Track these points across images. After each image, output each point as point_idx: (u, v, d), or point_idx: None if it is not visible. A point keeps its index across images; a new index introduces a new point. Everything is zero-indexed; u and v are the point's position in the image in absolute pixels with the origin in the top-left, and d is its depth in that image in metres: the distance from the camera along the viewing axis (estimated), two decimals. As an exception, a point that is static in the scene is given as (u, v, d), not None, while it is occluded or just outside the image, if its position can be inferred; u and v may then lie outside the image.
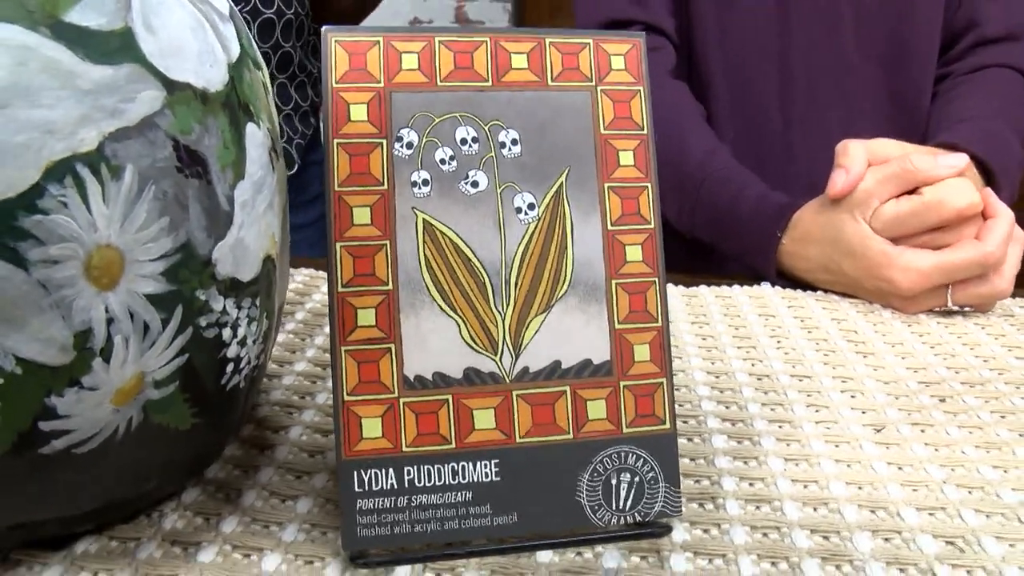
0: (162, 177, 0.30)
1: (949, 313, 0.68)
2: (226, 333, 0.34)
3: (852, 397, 0.53)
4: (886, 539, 0.39)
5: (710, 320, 0.65)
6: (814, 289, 0.72)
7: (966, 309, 0.69)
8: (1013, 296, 0.72)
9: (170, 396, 0.33)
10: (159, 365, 0.32)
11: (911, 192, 0.68)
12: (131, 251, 0.30)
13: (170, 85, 0.31)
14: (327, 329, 0.60)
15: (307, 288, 0.68)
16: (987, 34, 0.90)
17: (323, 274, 0.72)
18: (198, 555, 0.37)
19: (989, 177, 0.76)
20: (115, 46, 0.30)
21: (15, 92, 0.27)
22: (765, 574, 0.36)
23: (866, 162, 0.70)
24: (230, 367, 0.35)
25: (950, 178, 0.67)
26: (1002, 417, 0.51)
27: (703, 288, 0.72)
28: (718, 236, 0.80)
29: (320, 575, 0.35)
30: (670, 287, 0.71)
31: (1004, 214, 0.67)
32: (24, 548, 0.36)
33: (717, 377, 0.55)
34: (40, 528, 0.35)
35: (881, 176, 0.68)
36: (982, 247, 0.65)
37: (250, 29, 1.04)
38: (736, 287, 0.72)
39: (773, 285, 0.73)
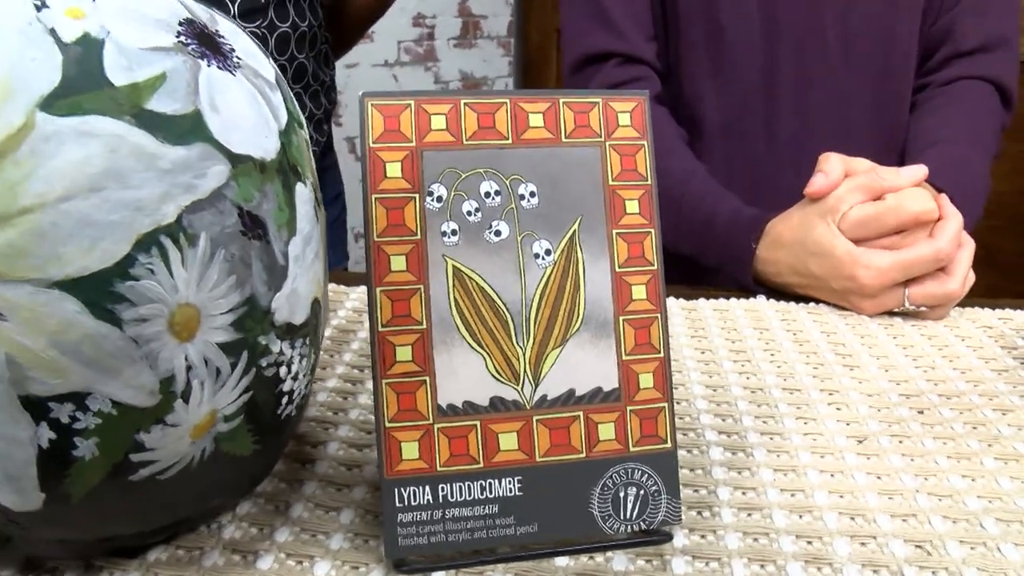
0: (230, 241, 0.35)
1: (930, 324, 0.73)
2: (283, 371, 0.39)
3: (838, 410, 0.58)
4: (863, 543, 0.44)
5: (708, 334, 0.69)
6: (798, 299, 0.77)
7: (947, 319, 0.74)
8: (993, 308, 0.77)
9: (236, 428, 0.37)
10: (228, 402, 0.36)
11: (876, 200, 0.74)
12: (205, 307, 0.34)
13: (234, 159, 0.36)
14: (354, 345, 0.65)
15: (332, 305, 0.73)
16: (961, 47, 0.95)
17: (345, 289, 0.77)
18: (256, 563, 0.41)
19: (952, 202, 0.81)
20: (187, 127, 0.34)
21: (109, 176, 0.32)
22: (756, 576, 0.41)
23: (843, 171, 0.76)
24: (285, 399, 0.40)
25: (910, 187, 0.74)
26: (973, 428, 0.56)
27: (702, 301, 0.76)
28: (698, 250, 0.86)
29: (365, 580, 0.40)
30: (671, 300, 0.76)
31: (954, 216, 0.74)
32: (105, 556, 0.41)
33: (714, 391, 0.60)
34: (121, 540, 0.39)
35: (852, 185, 0.75)
36: (935, 243, 0.72)
37: (267, 43, 1.09)
38: (733, 300, 0.77)
39: (755, 294, 0.78)
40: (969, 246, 0.75)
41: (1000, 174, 2.21)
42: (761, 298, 0.78)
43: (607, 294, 0.43)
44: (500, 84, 3.16)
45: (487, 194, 0.42)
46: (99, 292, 0.32)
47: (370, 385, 0.59)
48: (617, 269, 0.43)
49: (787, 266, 0.78)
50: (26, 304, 0.31)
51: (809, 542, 0.44)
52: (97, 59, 0.33)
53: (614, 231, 0.43)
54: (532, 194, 0.42)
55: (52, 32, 0.33)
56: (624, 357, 0.42)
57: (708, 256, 0.85)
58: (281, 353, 0.38)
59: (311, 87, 1.20)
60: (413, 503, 0.40)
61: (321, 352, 0.64)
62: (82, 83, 0.32)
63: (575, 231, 0.43)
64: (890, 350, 0.68)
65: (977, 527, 0.46)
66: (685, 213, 0.87)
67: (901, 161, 0.90)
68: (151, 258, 0.33)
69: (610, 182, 0.43)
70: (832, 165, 0.76)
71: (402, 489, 0.40)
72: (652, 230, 0.44)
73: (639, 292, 0.43)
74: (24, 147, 0.31)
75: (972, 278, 0.76)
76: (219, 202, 0.35)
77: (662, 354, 0.43)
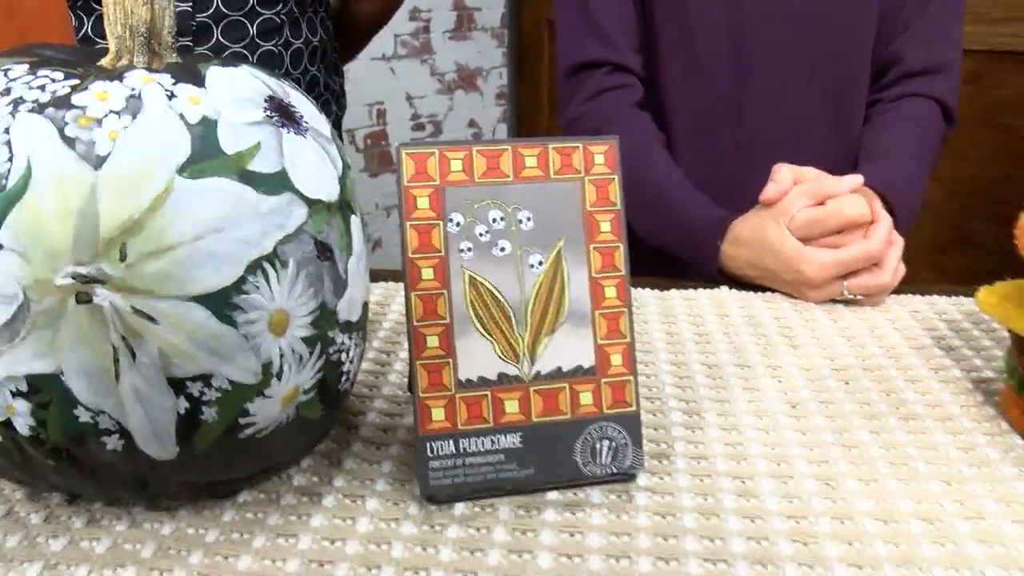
0: (309, 263, 0.48)
1: (867, 310, 0.86)
2: (343, 356, 0.52)
3: (779, 382, 0.72)
4: (784, 483, 0.58)
5: (676, 319, 0.83)
6: (760, 289, 0.91)
7: (884, 304, 0.87)
8: (924, 295, 0.91)
9: (312, 399, 0.51)
10: (307, 379, 0.50)
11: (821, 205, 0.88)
12: (293, 312, 0.48)
13: (309, 203, 0.49)
14: (380, 333, 0.78)
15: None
16: (909, 69, 1.09)
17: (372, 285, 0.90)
18: (322, 502, 0.55)
19: (891, 209, 0.94)
20: (277, 182, 0.48)
21: (226, 221, 0.45)
22: (699, 507, 0.55)
23: (792, 180, 0.90)
24: (344, 377, 0.53)
25: (848, 194, 0.88)
26: (886, 395, 0.70)
27: (673, 291, 0.90)
28: (674, 247, 0.99)
29: (406, 512, 0.54)
30: (647, 291, 0.90)
31: (884, 219, 0.87)
32: (205, 496, 0.54)
33: (678, 367, 0.73)
34: (222, 484, 0.53)
35: (800, 191, 0.89)
36: (867, 244, 0.86)
37: (283, 59, 1.20)
38: (700, 290, 0.90)
39: (719, 285, 0.92)
40: (899, 244, 0.89)
41: (976, 159, 2.34)
42: (724, 288, 0.91)
43: (585, 294, 0.56)
44: (495, 74, 3.27)
45: (494, 219, 0.55)
46: (221, 303, 0.45)
47: (398, 366, 0.72)
48: (593, 275, 0.56)
49: (746, 261, 0.91)
50: (171, 312, 0.45)
51: (743, 482, 0.58)
52: (213, 135, 0.46)
53: (591, 246, 0.56)
54: (528, 219, 0.56)
55: (181, 116, 0.46)
56: (599, 342, 0.56)
57: (681, 252, 0.98)
58: (343, 343, 0.52)
59: (323, 96, 1.31)
60: (441, 453, 0.54)
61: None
62: (204, 153, 0.46)
63: (560, 247, 0.56)
64: (829, 332, 0.82)
65: (874, 469, 0.59)
66: (662, 214, 1.00)
67: (855, 167, 1.03)
68: (257, 278, 0.46)
69: (587, 208, 0.57)
70: (782, 175, 0.90)
71: (432, 443, 0.54)
72: (620, 245, 0.57)
73: (610, 292, 0.56)
74: (168, 203, 0.44)
75: (902, 270, 0.89)
76: (300, 235, 0.48)
77: (628, 339, 0.56)
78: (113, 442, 0.47)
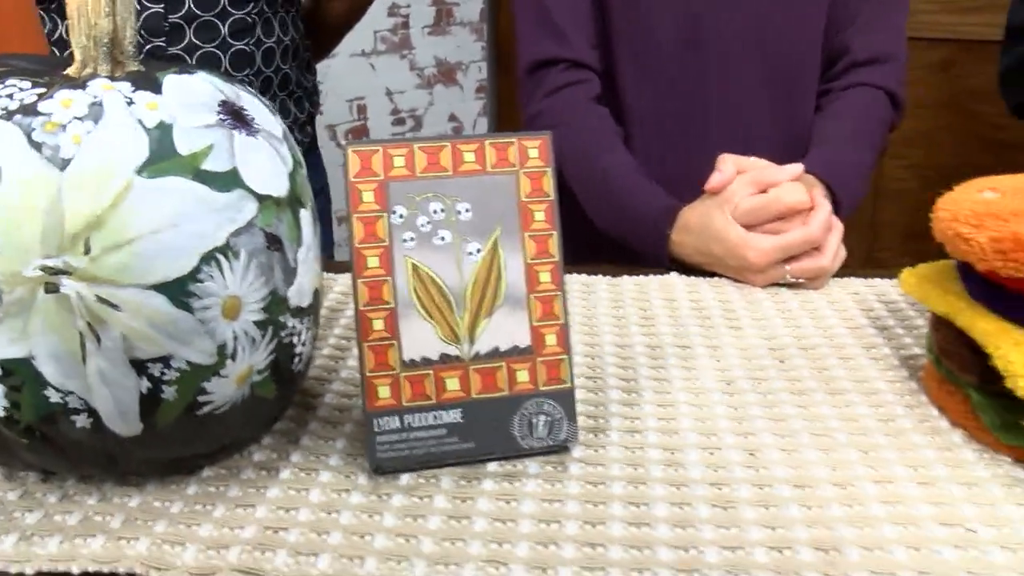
0: (259, 254, 0.53)
1: (809, 293, 0.91)
2: (295, 339, 0.56)
3: (717, 361, 0.76)
4: (711, 453, 0.62)
5: (624, 304, 0.87)
6: (709, 275, 0.95)
7: (823, 286, 0.92)
8: (865, 278, 0.95)
9: (265, 378, 0.55)
10: (260, 360, 0.54)
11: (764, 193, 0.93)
12: (245, 298, 0.52)
13: (260, 198, 0.53)
14: (342, 321, 0.83)
15: (324, 289, 0.90)
16: (857, 59, 1.13)
17: (334, 276, 0.94)
18: (279, 475, 0.59)
19: (834, 195, 0.99)
20: (229, 180, 0.52)
21: (182, 216, 0.50)
22: (628, 476, 0.59)
23: (735, 170, 0.94)
24: (296, 358, 0.57)
25: (788, 182, 0.92)
26: (818, 372, 0.74)
27: (625, 278, 0.94)
28: (626, 236, 1.04)
29: (356, 483, 0.58)
30: (600, 277, 0.94)
31: (823, 206, 0.92)
32: (171, 472, 0.59)
33: (622, 348, 0.78)
34: (185, 460, 0.57)
35: (744, 180, 0.94)
36: (807, 229, 0.90)
37: (255, 57, 1.24)
38: (651, 276, 0.95)
39: (679, 273, 0.96)
40: (838, 229, 0.93)
41: (948, 146, 2.39)
42: (674, 274, 0.96)
43: (521, 279, 0.60)
44: (474, 68, 3.31)
45: (434, 211, 0.59)
46: (178, 291, 0.50)
47: (356, 352, 0.76)
48: (528, 261, 0.60)
49: (694, 248, 0.95)
50: (132, 300, 0.49)
51: (671, 453, 0.62)
52: (169, 138, 0.51)
53: (526, 234, 0.61)
54: (467, 210, 0.60)
55: (140, 121, 0.50)
56: (534, 323, 0.60)
57: (633, 241, 1.03)
58: (294, 327, 0.56)
59: (295, 94, 1.34)
60: (387, 428, 0.58)
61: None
62: (161, 155, 0.50)
63: (497, 236, 0.60)
64: (770, 314, 0.86)
65: (796, 440, 0.64)
66: (615, 204, 1.04)
67: (805, 154, 1.08)
68: (211, 268, 0.50)
69: (522, 199, 0.61)
70: (726, 165, 0.94)
71: (379, 419, 0.58)
72: (554, 233, 0.61)
73: (545, 277, 0.61)
74: (128, 201, 0.49)
75: (843, 254, 0.94)
76: (251, 228, 0.52)
77: (562, 321, 0.61)
78: (82, 420, 0.51)
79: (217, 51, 1.19)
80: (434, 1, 3.17)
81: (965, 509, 0.57)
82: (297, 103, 1.36)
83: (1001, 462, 0.62)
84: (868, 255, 2.60)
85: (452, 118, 3.26)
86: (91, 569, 0.51)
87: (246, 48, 1.22)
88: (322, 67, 2.77)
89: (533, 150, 0.62)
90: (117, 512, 0.56)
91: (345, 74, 2.88)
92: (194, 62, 1.16)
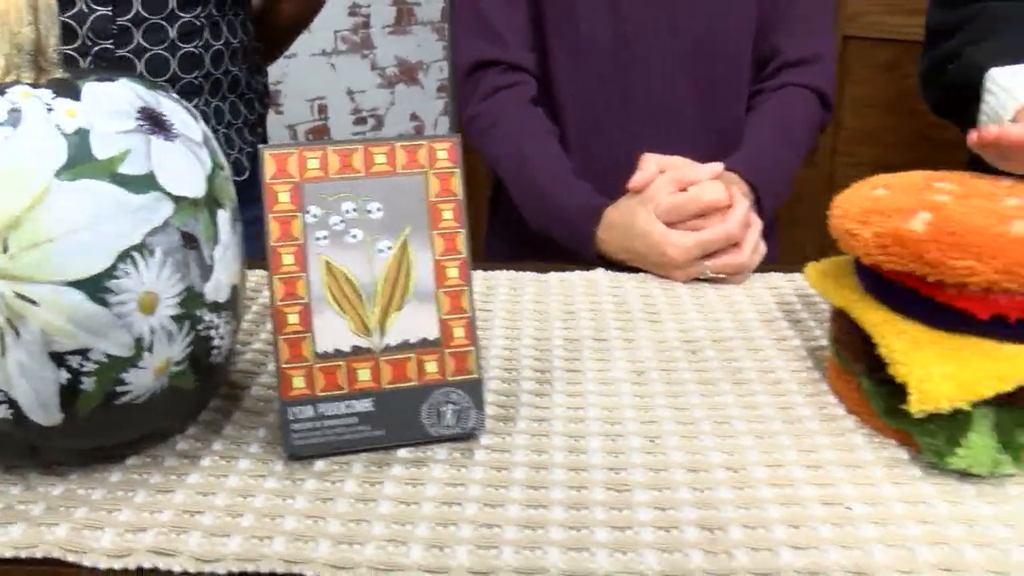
0: (175, 252, 0.56)
1: (729, 287, 0.95)
2: (212, 332, 0.60)
3: (630, 353, 0.80)
4: (612, 440, 0.66)
5: (547, 300, 0.91)
6: (632, 271, 0.99)
7: (742, 282, 0.96)
8: (786, 272, 0.99)
9: (183, 370, 0.58)
10: (177, 352, 0.57)
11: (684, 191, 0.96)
12: (162, 293, 0.55)
13: (176, 199, 0.56)
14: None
15: (258, 288, 0.93)
16: (786, 59, 1.17)
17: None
18: (200, 462, 0.62)
19: (756, 193, 1.03)
20: (145, 183, 0.55)
21: (99, 217, 0.53)
22: (530, 461, 0.63)
23: (657, 168, 0.98)
24: (214, 351, 0.61)
25: (707, 180, 0.96)
26: (727, 363, 0.78)
27: (552, 274, 0.98)
28: (556, 234, 1.07)
29: (272, 469, 0.62)
30: (527, 274, 0.98)
31: (741, 203, 0.96)
32: (98, 461, 0.62)
33: (539, 340, 0.82)
34: (108, 449, 0.60)
35: (665, 179, 0.97)
36: (725, 226, 0.94)
37: (203, 60, 1.26)
38: (576, 272, 0.98)
39: (606, 270, 1.00)
40: (757, 225, 0.97)
41: (893, 145, 2.43)
42: (600, 270, 0.99)
43: (430, 275, 0.64)
44: (435, 68, 3.33)
45: (347, 211, 0.63)
46: (94, 287, 0.53)
47: (284, 345, 0.80)
48: (436, 258, 0.64)
49: (618, 245, 0.99)
50: (50, 296, 0.52)
51: (575, 440, 0.66)
52: (87, 143, 0.54)
53: (434, 232, 0.64)
54: (378, 209, 0.63)
55: (58, 127, 0.53)
56: (442, 317, 0.64)
57: (561, 238, 1.06)
58: (211, 321, 0.59)
59: (245, 95, 1.36)
60: (301, 416, 0.61)
61: (246, 323, 0.84)
62: (79, 159, 0.53)
63: (407, 233, 0.63)
64: (688, 308, 0.90)
65: (696, 428, 0.68)
66: (546, 204, 1.08)
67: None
68: (127, 265, 0.53)
69: (431, 199, 0.64)
70: (648, 164, 0.98)
71: (293, 408, 0.61)
72: (462, 230, 0.65)
73: (452, 273, 0.64)
74: (46, 202, 0.52)
75: (763, 249, 0.98)
76: (167, 228, 0.55)
77: (469, 314, 0.64)
78: (3, 411, 0.54)
79: (166, 53, 1.21)
80: (395, 1, 3.19)
81: (846, 489, 0.61)
82: (247, 104, 1.37)
83: (887, 445, 0.66)
84: (820, 250, 2.66)
85: (414, 117, 3.28)
86: (9, 555, 0.54)
87: (195, 51, 1.24)
88: (282, 67, 2.80)
89: (442, 152, 0.65)
90: (40, 500, 0.59)
91: (306, 74, 2.90)
92: (142, 64, 1.18)
